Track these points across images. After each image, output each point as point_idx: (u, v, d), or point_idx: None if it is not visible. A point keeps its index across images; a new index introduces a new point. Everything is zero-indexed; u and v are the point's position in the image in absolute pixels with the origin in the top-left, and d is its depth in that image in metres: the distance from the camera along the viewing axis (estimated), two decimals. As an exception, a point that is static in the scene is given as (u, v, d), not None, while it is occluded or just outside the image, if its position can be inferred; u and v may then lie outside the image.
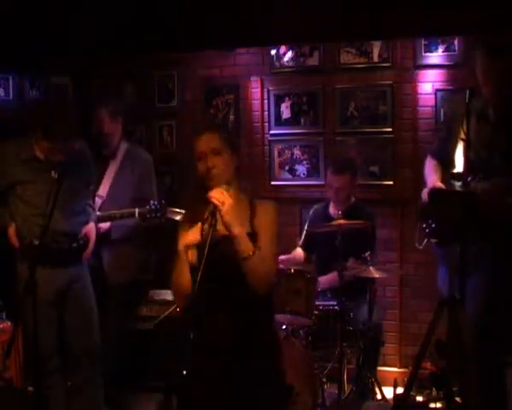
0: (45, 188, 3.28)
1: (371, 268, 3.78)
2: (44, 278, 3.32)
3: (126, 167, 4.14)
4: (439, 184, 3.15)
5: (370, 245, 4.05)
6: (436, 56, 4.54)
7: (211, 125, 2.79)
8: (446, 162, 3.18)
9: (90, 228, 3.59)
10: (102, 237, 3.90)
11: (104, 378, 3.78)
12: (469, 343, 2.92)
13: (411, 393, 3.58)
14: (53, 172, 3.33)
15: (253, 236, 2.52)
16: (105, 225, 3.95)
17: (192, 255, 2.55)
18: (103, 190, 4.07)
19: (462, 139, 2.85)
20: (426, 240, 3.12)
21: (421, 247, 3.14)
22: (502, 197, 2.91)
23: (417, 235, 3.16)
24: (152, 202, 3.94)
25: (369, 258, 3.84)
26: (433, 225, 3.02)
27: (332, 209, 4.21)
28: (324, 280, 4.03)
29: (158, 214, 3.93)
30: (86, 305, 3.60)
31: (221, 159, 2.57)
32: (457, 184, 2.92)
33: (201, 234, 2.52)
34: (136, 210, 3.94)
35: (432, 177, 3.30)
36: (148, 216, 3.93)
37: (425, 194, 3.16)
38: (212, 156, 2.57)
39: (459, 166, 2.95)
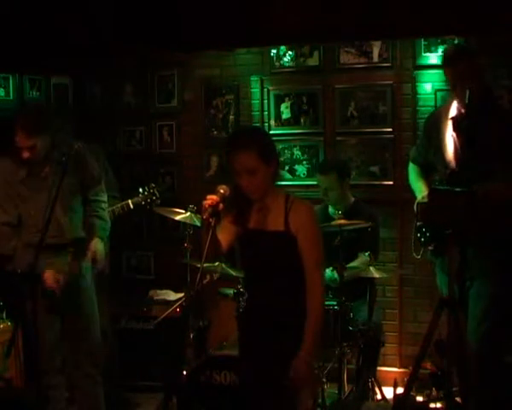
0: (44, 202, 3.29)
1: (371, 268, 3.77)
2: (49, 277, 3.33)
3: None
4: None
5: (371, 245, 4.05)
6: (436, 56, 4.54)
7: (245, 143, 2.60)
8: (427, 166, 3.21)
9: (98, 244, 3.58)
10: None
11: (104, 378, 3.79)
12: (471, 346, 2.93)
13: (411, 393, 3.57)
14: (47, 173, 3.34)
15: (286, 234, 2.63)
16: None
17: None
18: None
19: (453, 136, 2.86)
20: (422, 249, 3.15)
21: (418, 256, 3.16)
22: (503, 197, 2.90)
23: (413, 245, 3.19)
24: (141, 189, 3.94)
25: (369, 258, 3.83)
26: (428, 234, 3.03)
27: (332, 210, 4.21)
28: None
29: (153, 198, 3.95)
30: (88, 303, 3.61)
31: (256, 177, 2.61)
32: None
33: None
34: (130, 202, 3.95)
35: (418, 184, 3.32)
36: (144, 203, 3.94)
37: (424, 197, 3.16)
38: (247, 175, 2.60)
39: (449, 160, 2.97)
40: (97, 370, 3.66)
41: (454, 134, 3.03)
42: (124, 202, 3.99)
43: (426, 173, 3.37)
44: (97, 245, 3.56)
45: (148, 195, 3.98)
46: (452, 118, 3.06)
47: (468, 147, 2.91)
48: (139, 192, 4.02)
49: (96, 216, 3.59)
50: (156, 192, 4.02)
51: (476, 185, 2.80)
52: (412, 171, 3.48)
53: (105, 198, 3.68)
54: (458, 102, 3.07)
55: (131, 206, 3.97)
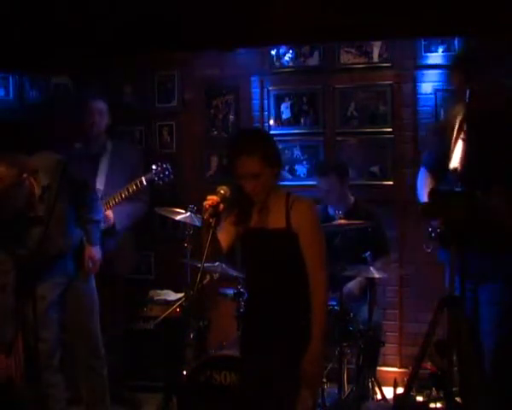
0: (38, 237, 3.31)
1: (371, 268, 3.77)
2: (45, 278, 3.35)
3: (118, 162, 4.19)
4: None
5: (379, 243, 4.05)
6: (436, 56, 4.54)
7: (249, 148, 2.60)
8: (440, 173, 3.17)
9: (94, 252, 3.61)
10: (107, 229, 3.92)
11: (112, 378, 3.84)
12: (487, 348, 2.93)
13: (411, 393, 3.57)
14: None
15: (288, 232, 2.64)
16: (109, 218, 3.98)
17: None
18: (99, 186, 4.10)
19: (463, 139, 2.84)
20: (432, 243, 3.10)
21: (429, 250, 3.12)
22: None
23: (425, 239, 3.13)
24: (154, 166, 3.98)
25: (369, 258, 3.83)
26: (439, 229, 2.99)
27: (331, 210, 4.21)
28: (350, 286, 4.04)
29: (166, 173, 3.98)
30: (87, 298, 3.63)
31: (260, 181, 2.62)
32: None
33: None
34: (143, 178, 3.98)
35: (424, 191, 3.28)
36: (157, 179, 3.98)
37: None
38: (251, 179, 2.61)
39: (455, 163, 2.93)
40: (99, 362, 3.67)
41: (463, 138, 2.97)
42: (137, 179, 4.01)
43: (436, 182, 3.29)
44: (92, 253, 3.58)
45: (161, 170, 4.00)
46: (463, 120, 2.98)
47: (475, 153, 2.89)
48: (152, 169, 4.04)
49: (88, 220, 3.59)
50: (169, 167, 4.04)
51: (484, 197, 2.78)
52: (421, 177, 3.40)
53: (93, 196, 3.67)
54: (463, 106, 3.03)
55: (144, 182, 4.00)
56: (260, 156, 2.58)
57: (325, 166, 4.33)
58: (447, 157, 3.03)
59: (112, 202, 4.04)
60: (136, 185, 4.01)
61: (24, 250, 3.34)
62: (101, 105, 4.25)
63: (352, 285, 4.06)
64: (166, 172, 4.03)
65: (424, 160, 3.39)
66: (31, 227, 3.32)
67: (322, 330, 2.65)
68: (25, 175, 3.20)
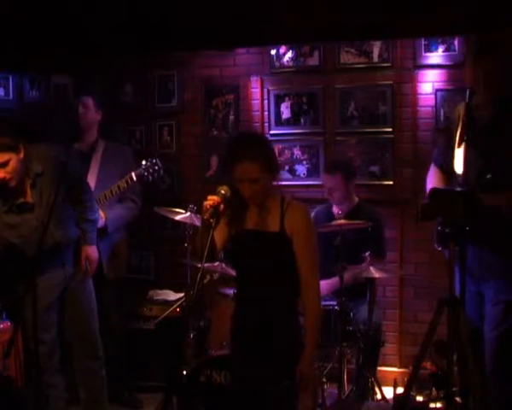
0: (34, 222, 3.30)
1: (371, 268, 3.78)
2: (44, 279, 3.35)
3: (109, 161, 4.19)
4: None
5: (376, 245, 4.05)
6: (436, 56, 4.54)
7: (250, 154, 2.61)
8: (448, 170, 3.15)
9: (91, 251, 3.60)
10: (100, 231, 3.91)
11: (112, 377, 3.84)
12: (488, 348, 2.93)
13: (411, 393, 3.57)
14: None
15: (281, 236, 2.64)
16: (101, 218, 3.97)
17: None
18: (90, 183, 4.10)
19: (464, 140, 2.83)
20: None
21: (439, 249, 3.09)
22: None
23: (435, 237, 3.10)
24: (144, 162, 3.96)
25: (369, 258, 3.83)
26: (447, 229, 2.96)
27: (335, 209, 4.21)
28: (326, 285, 4.01)
29: (156, 168, 3.96)
30: (85, 299, 3.63)
31: (259, 185, 2.63)
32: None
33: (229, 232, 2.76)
34: (133, 173, 3.96)
35: (431, 186, 3.26)
36: (146, 174, 3.96)
37: None
38: (251, 184, 2.62)
39: (459, 167, 2.92)
40: (98, 363, 3.67)
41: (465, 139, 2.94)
42: (127, 176, 4.00)
43: (446, 177, 3.20)
44: (88, 253, 3.57)
45: (151, 165, 3.98)
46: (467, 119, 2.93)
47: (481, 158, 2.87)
48: (141, 164, 4.03)
49: (83, 220, 3.58)
50: (159, 163, 4.02)
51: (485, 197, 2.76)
52: (431, 172, 3.37)
53: (88, 196, 3.65)
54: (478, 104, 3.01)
55: (134, 178, 3.98)
56: (261, 163, 2.59)
57: (333, 164, 4.32)
58: (452, 156, 3.03)
59: (103, 200, 4.02)
60: (127, 182, 4.00)
61: (18, 238, 3.34)
62: (86, 100, 4.24)
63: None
64: (156, 168, 4.00)
65: (434, 156, 3.38)
66: (23, 213, 3.33)
67: (316, 334, 2.67)
68: (21, 144, 3.24)
